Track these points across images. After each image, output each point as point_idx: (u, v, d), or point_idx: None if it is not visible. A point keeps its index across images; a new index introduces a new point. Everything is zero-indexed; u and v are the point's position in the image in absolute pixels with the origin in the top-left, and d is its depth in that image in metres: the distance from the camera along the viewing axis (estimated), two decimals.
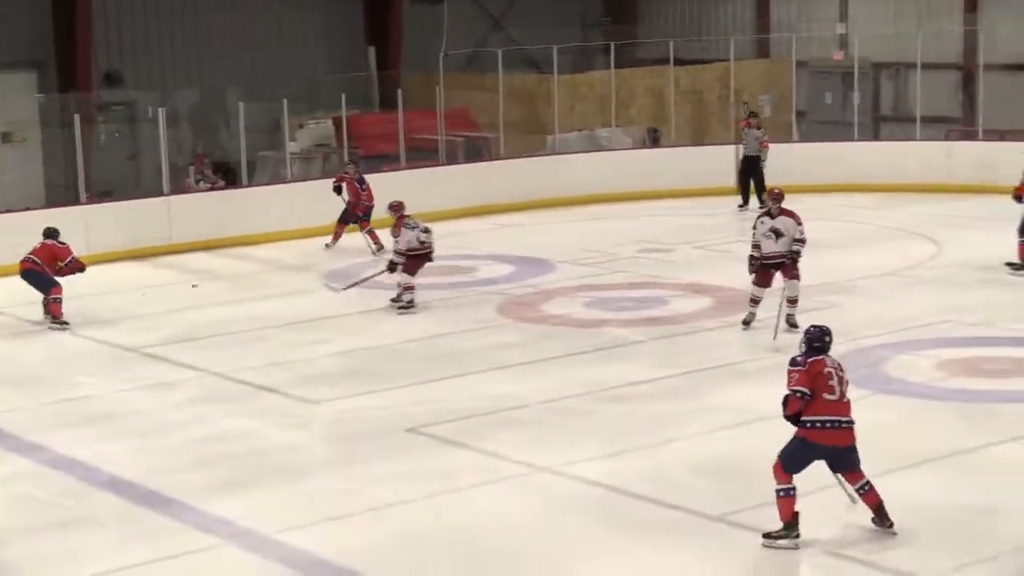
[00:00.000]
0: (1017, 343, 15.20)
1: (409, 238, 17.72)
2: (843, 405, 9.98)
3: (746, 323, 16.07)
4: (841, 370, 10.07)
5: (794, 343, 10.98)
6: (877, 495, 10.06)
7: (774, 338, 15.25)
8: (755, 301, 15.99)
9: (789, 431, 11.68)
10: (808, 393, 9.89)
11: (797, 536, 10.01)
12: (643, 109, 29.77)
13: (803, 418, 9.98)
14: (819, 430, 9.96)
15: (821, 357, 10.05)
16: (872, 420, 12.78)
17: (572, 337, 16.24)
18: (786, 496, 10.02)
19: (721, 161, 26.63)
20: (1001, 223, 19.47)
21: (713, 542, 10.20)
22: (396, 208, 18.20)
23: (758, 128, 25.33)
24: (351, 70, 30.00)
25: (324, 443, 12.85)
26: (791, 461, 10.04)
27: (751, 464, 11.24)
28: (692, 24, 33.85)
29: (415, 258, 17.77)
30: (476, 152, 27.90)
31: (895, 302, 17.18)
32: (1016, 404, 13.14)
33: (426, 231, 17.81)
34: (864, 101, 28.87)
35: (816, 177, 25.72)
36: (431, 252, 17.86)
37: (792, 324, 15.51)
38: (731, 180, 26.18)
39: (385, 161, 26.25)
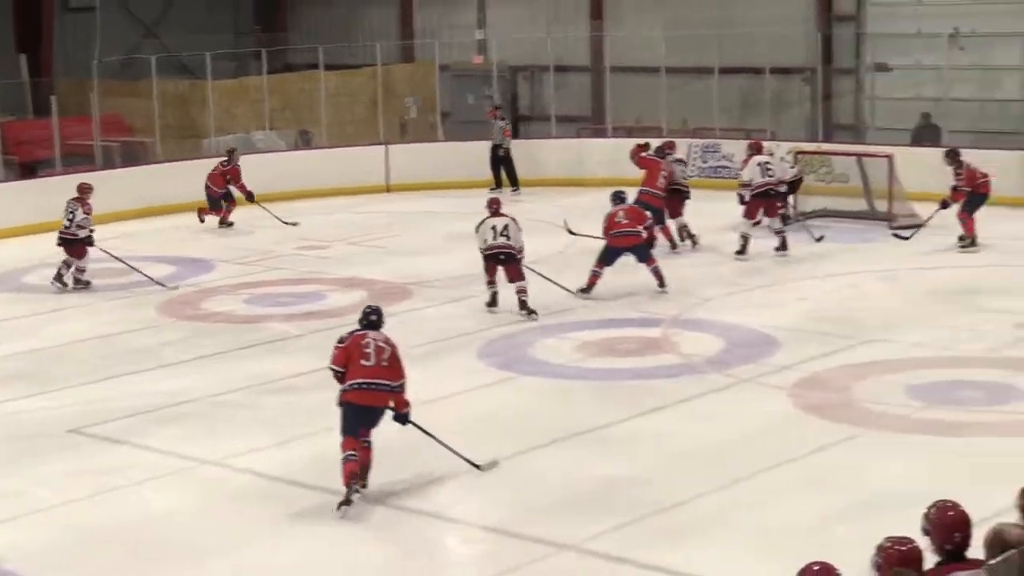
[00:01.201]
0: (646, 323, 15.76)
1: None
2: (380, 370, 10.52)
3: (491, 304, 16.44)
4: (387, 343, 10.64)
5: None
6: (368, 458, 10.55)
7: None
8: (492, 281, 16.40)
9: (445, 413, 11.90)
10: (338, 370, 10.58)
11: (357, 493, 10.40)
12: (296, 113, 29.56)
13: (344, 383, 10.58)
14: (355, 391, 10.51)
15: (364, 331, 10.69)
16: (518, 401, 13.15)
17: (234, 333, 16.02)
18: (346, 461, 10.43)
19: (372, 161, 26.70)
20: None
21: (376, 522, 10.23)
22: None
23: (502, 119, 26.24)
24: (3, 77, 28.78)
25: None
26: (344, 426, 10.55)
27: (410, 446, 11.34)
28: (341, 31, 33.82)
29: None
30: (133, 156, 27.17)
31: (538, 289, 17.52)
32: (645, 380, 13.61)
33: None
34: (503, 102, 29.42)
35: (463, 174, 26.09)
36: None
37: (530, 312, 16.06)
38: (380, 177, 26.44)
39: (41, 166, 25.35)
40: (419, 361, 13.72)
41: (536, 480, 10.91)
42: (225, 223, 23.05)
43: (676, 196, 19.66)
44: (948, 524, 6.19)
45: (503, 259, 16.19)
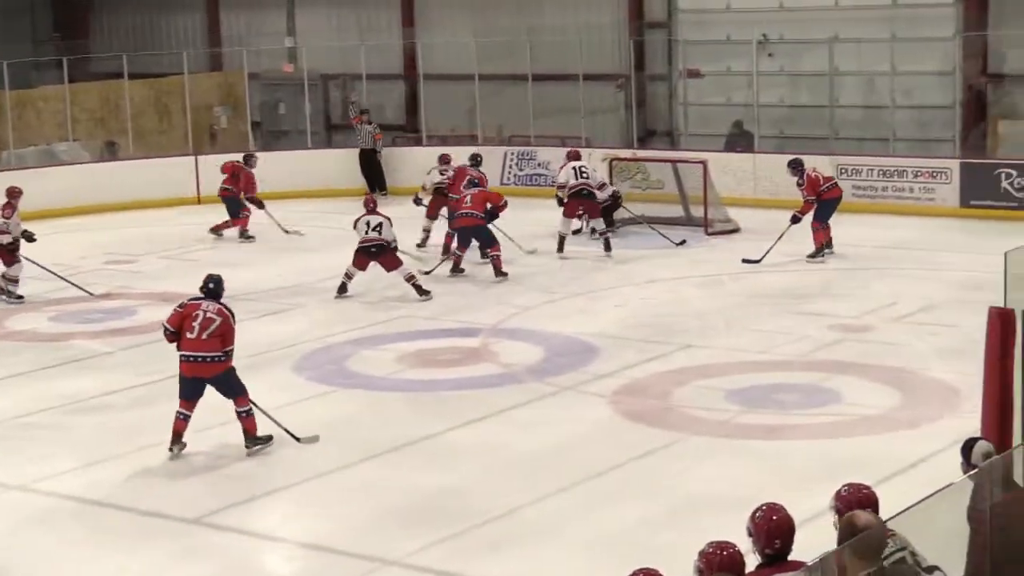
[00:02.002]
0: (465, 333, 15.84)
1: None
2: (201, 343, 11.50)
3: (341, 290, 17.55)
4: (219, 314, 11.54)
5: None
6: (254, 422, 11.67)
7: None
8: (350, 276, 17.55)
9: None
10: (170, 329, 11.63)
11: (180, 449, 11.61)
12: (101, 122, 28.96)
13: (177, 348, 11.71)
14: (182, 362, 11.65)
15: (199, 301, 11.68)
16: (337, 414, 13.09)
17: (39, 351, 15.63)
18: (177, 418, 11.64)
19: (182, 172, 26.28)
20: (442, 221, 20.21)
21: (193, 543, 10.09)
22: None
23: (369, 123, 26.41)
24: None
25: None
26: (180, 390, 11.70)
27: (225, 464, 11.25)
28: (145, 38, 33.26)
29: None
30: None
31: (356, 300, 17.50)
32: (466, 391, 13.65)
33: None
34: (315, 111, 29.27)
35: (275, 185, 25.83)
36: None
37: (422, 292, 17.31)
38: (191, 189, 26.05)
39: None
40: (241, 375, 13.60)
41: (359, 495, 10.88)
42: (245, 235, 22.44)
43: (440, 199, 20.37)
44: (771, 529, 6.34)
45: (375, 251, 17.30)
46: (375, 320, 16.43)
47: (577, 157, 20.46)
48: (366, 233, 17.34)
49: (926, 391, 13.09)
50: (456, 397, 13.48)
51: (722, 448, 11.77)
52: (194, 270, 19.62)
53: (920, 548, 6.17)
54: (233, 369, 11.71)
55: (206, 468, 11.52)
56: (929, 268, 18.43)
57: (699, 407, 12.81)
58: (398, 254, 17.57)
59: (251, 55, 29.44)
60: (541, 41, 27.07)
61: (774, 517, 6.37)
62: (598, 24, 27.68)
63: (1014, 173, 21.77)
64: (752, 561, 6.36)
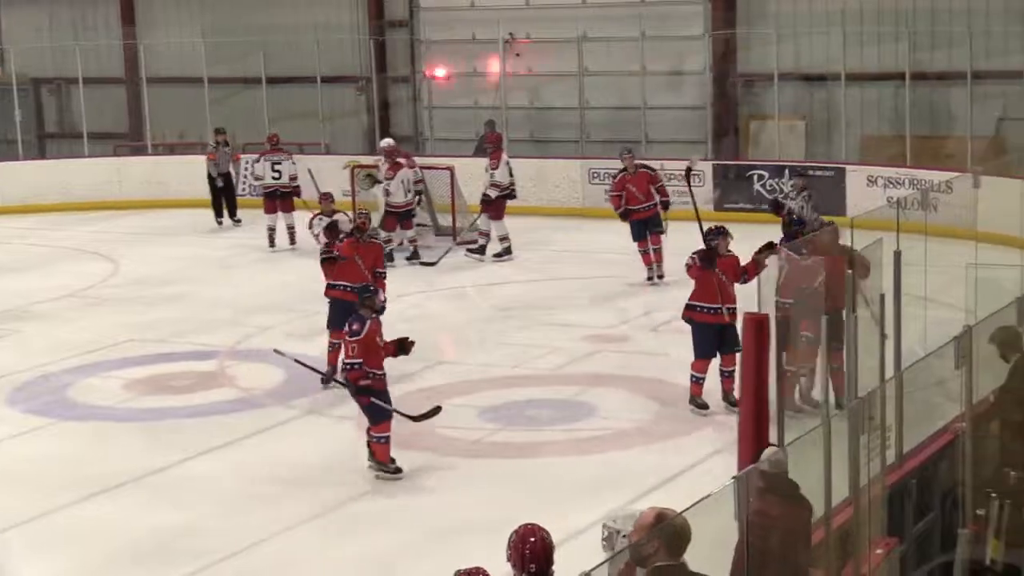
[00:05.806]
0: (199, 356, 15.67)
1: None
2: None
3: None
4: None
5: None
6: (731, 383, 12.85)
7: None
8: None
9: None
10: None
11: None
12: None
13: None
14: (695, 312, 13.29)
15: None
16: (59, 448, 12.82)
17: None
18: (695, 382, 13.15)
19: None
20: (174, 237, 20.02)
21: None
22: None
23: (227, 144, 24.82)
24: None
25: None
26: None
27: None
28: None
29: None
30: None
31: (77, 324, 17.17)
32: (200, 418, 13.54)
33: None
34: (27, 118, 28.54)
35: None
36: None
37: None
38: None
39: None
40: None
41: (87, 535, 10.69)
42: None
43: None
44: (525, 553, 6.47)
45: None
46: (99, 345, 16.11)
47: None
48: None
49: (684, 402, 13.48)
50: (192, 425, 13.35)
51: (476, 469, 11.94)
52: None
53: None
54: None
55: None
56: (684, 275, 18.87)
57: (451, 427, 12.94)
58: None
59: None
60: (275, 42, 26.93)
61: (531, 539, 6.50)
62: (336, 24, 27.70)
63: (766, 175, 22.61)
64: None
